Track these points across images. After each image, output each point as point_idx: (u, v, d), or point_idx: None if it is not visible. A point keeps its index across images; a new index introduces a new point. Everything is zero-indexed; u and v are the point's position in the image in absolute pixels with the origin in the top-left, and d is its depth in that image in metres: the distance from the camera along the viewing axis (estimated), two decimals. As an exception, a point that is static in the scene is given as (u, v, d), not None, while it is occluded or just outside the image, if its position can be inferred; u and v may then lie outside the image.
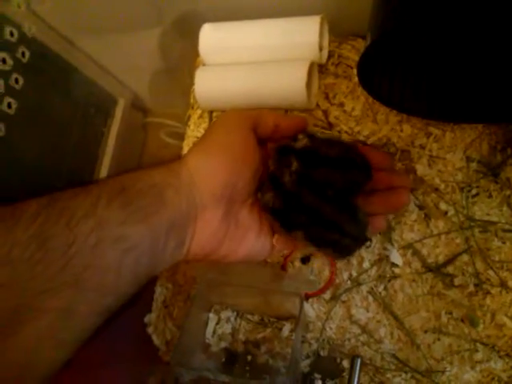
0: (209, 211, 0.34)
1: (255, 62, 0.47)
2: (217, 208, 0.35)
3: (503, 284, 0.40)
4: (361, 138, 0.46)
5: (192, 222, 0.34)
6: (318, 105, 0.48)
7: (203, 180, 0.34)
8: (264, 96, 0.46)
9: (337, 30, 0.49)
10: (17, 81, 0.32)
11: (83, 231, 0.27)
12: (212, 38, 0.48)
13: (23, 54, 0.32)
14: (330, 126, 0.47)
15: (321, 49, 0.46)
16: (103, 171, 0.62)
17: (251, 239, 0.37)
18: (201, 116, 0.51)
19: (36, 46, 0.35)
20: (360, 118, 0.46)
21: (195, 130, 0.51)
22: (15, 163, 0.38)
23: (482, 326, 0.41)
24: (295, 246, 0.40)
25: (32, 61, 0.34)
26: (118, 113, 0.66)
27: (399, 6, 0.32)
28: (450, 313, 0.42)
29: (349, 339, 0.44)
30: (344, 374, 0.43)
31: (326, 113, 0.48)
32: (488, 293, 0.41)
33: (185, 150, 0.51)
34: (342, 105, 0.47)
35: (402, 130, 0.45)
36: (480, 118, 0.40)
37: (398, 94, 0.40)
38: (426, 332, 0.42)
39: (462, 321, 0.41)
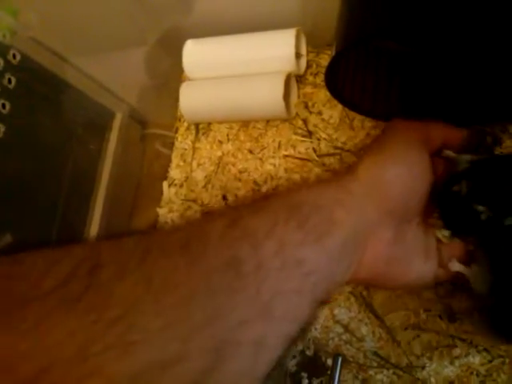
0: (380, 230, 0.32)
1: (235, 75, 0.49)
2: (388, 227, 0.32)
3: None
4: (339, 144, 0.48)
5: (363, 242, 0.31)
6: (297, 114, 0.50)
7: (377, 196, 0.31)
8: (244, 108, 0.48)
9: (315, 41, 0.51)
10: (4, 106, 0.34)
11: (268, 253, 0.25)
12: (194, 54, 0.50)
13: (9, 81, 0.34)
14: (310, 133, 0.49)
15: (298, 60, 0.48)
16: (102, 188, 0.64)
17: (419, 264, 0.34)
18: (187, 128, 0.53)
19: (24, 70, 0.38)
20: (338, 126, 0.48)
21: (183, 141, 0.53)
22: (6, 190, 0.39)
23: (458, 321, 0.42)
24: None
25: (19, 85, 0.36)
26: (116, 126, 0.69)
27: (362, 16, 0.34)
28: (429, 310, 0.43)
29: (332, 338, 0.45)
30: (328, 372, 0.44)
31: (305, 121, 0.49)
32: (464, 291, 0.42)
33: (174, 161, 0.53)
34: (320, 113, 0.49)
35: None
36: (453, 121, 0.42)
37: (370, 101, 0.41)
38: (405, 329, 0.43)
39: (440, 317, 0.43)
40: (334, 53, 0.35)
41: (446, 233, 0.35)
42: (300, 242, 0.27)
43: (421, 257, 0.35)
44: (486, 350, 0.41)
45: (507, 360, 0.41)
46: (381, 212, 0.32)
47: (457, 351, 0.42)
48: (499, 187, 0.33)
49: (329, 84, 0.37)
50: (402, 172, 0.32)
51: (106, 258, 0.22)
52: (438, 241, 0.36)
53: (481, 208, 0.32)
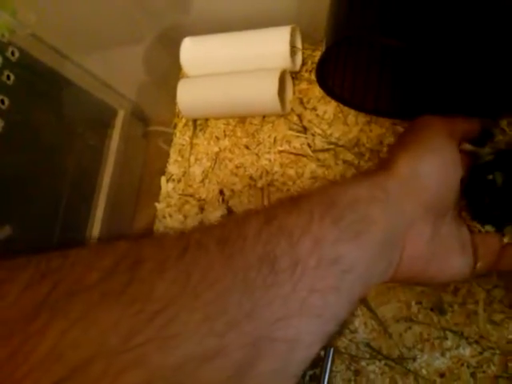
0: (418, 226, 0.32)
1: (232, 72, 0.50)
2: (426, 223, 0.32)
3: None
4: (333, 139, 0.48)
5: (401, 241, 0.31)
6: (292, 110, 0.50)
7: (414, 191, 0.31)
8: (240, 104, 0.49)
9: (312, 38, 0.52)
10: (3, 102, 0.35)
11: (304, 251, 0.25)
12: (192, 51, 0.51)
13: (8, 77, 0.35)
14: (305, 129, 0.50)
15: (294, 56, 0.49)
16: (104, 185, 0.65)
17: (455, 259, 0.34)
18: (185, 124, 0.54)
19: (23, 67, 0.39)
20: (332, 121, 0.49)
21: (181, 137, 0.54)
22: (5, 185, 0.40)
23: (450, 314, 0.43)
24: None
25: (18, 82, 0.37)
26: (118, 123, 0.69)
27: (350, 12, 0.34)
28: (420, 302, 0.44)
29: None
30: (321, 363, 0.45)
31: (300, 117, 0.50)
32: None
33: (172, 157, 0.54)
34: (315, 109, 0.50)
35: (371, 131, 0.48)
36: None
37: (361, 96, 0.42)
38: (397, 321, 0.44)
39: (432, 310, 0.43)
40: (323, 48, 0.36)
41: (490, 228, 0.35)
42: (336, 239, 0.26)
43: (457, 252, 0.35)
44: (476, 341, 0.42)
45: (497, 351, 0.41)
46: (419, 208, 0.32)
47: (448, 343, 0.42)
48: None
49: (320, 79, 0.37)
50: (437, 166, 0.32)
51: (147, 254, 0.22)
52: (473, 234, 0.36)
53: None
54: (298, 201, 0.28)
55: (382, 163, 0.34)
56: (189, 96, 0.51)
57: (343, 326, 0.29)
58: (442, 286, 0.42)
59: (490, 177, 0.34)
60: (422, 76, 0.41)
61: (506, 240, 0.36)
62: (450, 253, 0.34)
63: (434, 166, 0.32)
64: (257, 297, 0.22)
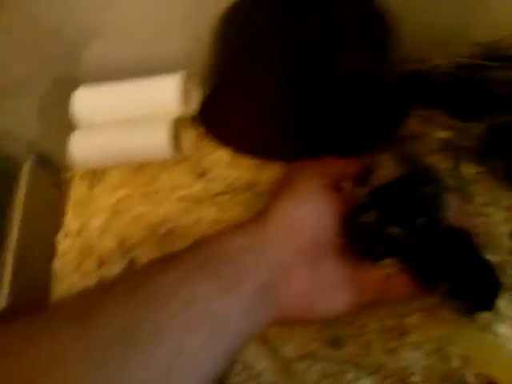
0: (296, 269, 0.33)
1: (126, 120, 0.50)
2: (303, 265, 0.33)
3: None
4: (229, 182, 0.49)
5: (280, 284, 0.32)
6: (190, 154, 0.51)
7: (289, 237, 0.33)
8: (135, 152, 0.49)
9: (209, 81, 0.53)
10: None
11: (169, 314, 0.25)
12: (84, 101, 0.51)
13: None
14: (203, 173, 0.50)
15: (188, 101, 0.50)
16: (12, 243, 0.61)
17: (339, 295, 0.36)
18: (82, 176, 0.53)
19: None
20: (228, 164, 0.50)
21: (78, 189, 0.53)
22: None
23: (347, 347, 0.44)
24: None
25: None
26: (24, 174, 0.67)
27: (226, 61, 0.35)
28: (319, 338, 0.44)
29: (234, 375, 0.46)
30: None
31: (197, 162, 0.51)
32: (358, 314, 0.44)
33: (69, 210, 0.53)
34: (212, 153, 0.51)
35: (266, 172, 0.49)
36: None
37: (245, 139, 0.42)
38: (300, 359, 0.45)
39: (331, 344, 0.44)
40: (206, 93, 0.36)
41: (373, 262, 0.37)
42: (208, 296, 0.27)
43: (341, 288, 0.36)
44: (375, 372, 0.43)
45: (396, 379, 0.43)
46: (294, 252, 0.33)
47: (348, 376, 0.43)
48: (402, 205, 0.36)
49: (205, 123, 0.37)
50: (309, 211, 0.34)
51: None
52: (357, 269, 0.38)
53: (394, 230, 0.35)
54: (172, 259, 0.29)
55: (259, 211, 0.35)
56: (83, 147, 0.50)
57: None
58: (337, 319, 0.44)
59: (367, 217, 0.36)
60: (306, 119, 0.43)
61: (387, 271, 0.38)
62: (333, 290, 0.36)
63: (306, 212, 0.34)
64: (113, 371, 0.22)
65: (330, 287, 0.36)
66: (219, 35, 0.36)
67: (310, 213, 0.34)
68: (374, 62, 0.33)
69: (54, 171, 0.71)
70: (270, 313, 0.32)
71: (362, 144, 0.41)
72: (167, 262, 0.29)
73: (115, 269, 0.49)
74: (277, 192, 0.36)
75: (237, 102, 0.41)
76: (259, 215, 0.34)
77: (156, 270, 0.28)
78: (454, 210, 0.37)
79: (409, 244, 0.36)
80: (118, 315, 0.25)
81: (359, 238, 0.36)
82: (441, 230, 0.36)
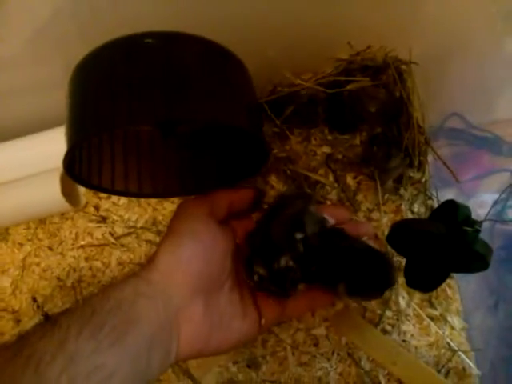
0: (189, 308, 0.34)
1: (16, 179, 0.49)
2: (196, 303, 0.34)
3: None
4: (131, 223, 0.50)
5: (174, 326, 0.32)
6: (87, 202, 0.51)
7: (177, 277, 0.33)
8: (31, 210, 0.49)
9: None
10: None
11: (52, 374, 0.26)
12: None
13: None
14: (104, 219, 0.51)
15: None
16: None
17: (238, 324, 0.37)
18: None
19: None
20: (127, 206, 0.50)
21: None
22: None
23: (264, 366, 0.45)
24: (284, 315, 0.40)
25: None
26: None
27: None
28: (237, 362, 0.46)
29: (161, 412, 0.46)
30: None
31: (97, 208, 0.51)
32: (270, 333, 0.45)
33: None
34: (109, 197, 0.51)
35: (164, 208, 0.50)
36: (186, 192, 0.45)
37: (109, 181, 0.41)
38: (222, 386, 0.46)
39: (248, 366, 0.46)
40: (67, 148, 0.35)
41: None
42: (94, 351, 0.27)
43: (239, 316, 0.37)
44: (293, 386, 0.45)
45: (315, 393, 0.44)
46: (185, 292, 0.33)
47: (269, 394, 0.45)
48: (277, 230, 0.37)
49: (69, 171, 0.36)
50: (196, 250, 0.35)
51: None
52: (255, 295, 0.39)
53: (283, 261, 0.36)
54: (58, 319, 0.29)
55: (150, 257, 0.36)
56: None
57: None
58: (251, 341, 0.45)
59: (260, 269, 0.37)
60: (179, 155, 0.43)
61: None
62: (230, 320, 0.37)
63: (193, 251, 0.35)
64: None
65: (227, 319, 0.37)
66: (77, 83, 0.35)
67: (194, 252, 0.35)
68: (233, 108, 0.34)
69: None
70: (167, 356, 0.33)
71: (244, 171, 0.42)
72: (55, 321, 0.29)
73: (31, 325, 0.49)
74: (166, 234, 0.36)
75: (112, 150, 0.41)
76: (148, 262, 0.35)
77: (43, 330, 0.29)
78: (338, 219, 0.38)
79: (303, 264, 0.36)
80: (2, 381, 0.25)
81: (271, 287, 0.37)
82: (322, 238, 0.37)
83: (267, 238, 0.37)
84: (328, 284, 0.38)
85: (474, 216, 0.36)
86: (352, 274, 0.36)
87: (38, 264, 0.50)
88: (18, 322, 0.50)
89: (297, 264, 0.36)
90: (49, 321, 0.30)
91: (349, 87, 0.41)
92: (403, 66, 0.44)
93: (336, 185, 0.45)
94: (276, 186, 0.46)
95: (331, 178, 0.45)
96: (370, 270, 0.36)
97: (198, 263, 0.35)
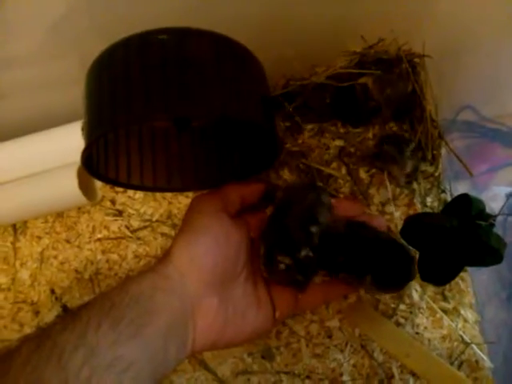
0: (205, 302, 0.34)
1: (35, 173, 0.50)
2: (211, 296, 0.35)
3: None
4: (147, 216, 0.51)
5: (190, 319, 0.34)
6: (104, 196, 0.52)
7: (191, 272, 0.34)
8: (49, 203, 0.50)
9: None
10: None
11: (75, 365, 0.27)
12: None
13: None
14: (120, 212, 0.51)
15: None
16: None
17: (252, 316, 0.37)
18: (5, 230, 0.54)
19: None
20: (143, 200, 0.51)
21: (3, 244, 0.54)
22: None
23: (278, 357, 0.46)
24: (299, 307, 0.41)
25: None
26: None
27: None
28: (252, 353, 0.46)
29: (176, 401, 0.47)
30: None
31: (113, 202, 0.52)
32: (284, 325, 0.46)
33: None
34: (125, 191, 0.52)
35: (179, 202, 0.50)
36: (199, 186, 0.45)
37: (125, 175, 0.42)
38: (236, 376, 0.46)
39: (263, 357, 0.46)
40: (86, 143, 0.36)
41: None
42: (113, 343, 0.28)
43: (253, 309, 0.38)
44: (307, 377, 0.45)
45: (326, 381, 0.45)
46: (200, 285, 0.34)
47: (283, 385, 0.46)
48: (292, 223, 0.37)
49: (86, 166, 0.37)
50: (209, 246, 0.35)
51: None
52: (269, 287, 0.39)
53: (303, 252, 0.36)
54: (78, 312, 0.30)
55: (166, 252, 0.36)
56: (-1, 205, 0.50)
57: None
58: (265, 334, 0.45)
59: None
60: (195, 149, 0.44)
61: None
62: (245, 313, 0.37)
63: (206, 247, 0.35)
64: None
65: (242, 312, 0.37)
66: (93, 80, 0.36)
67: (208, 247, 0.35)
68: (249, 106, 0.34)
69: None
70: (183, 348, 0.34)
71: (256, 165, 0.42)
72: (76, 314, 0.30)
73: (50, 316, 0.50)
74: (180, 230, 0.37)
75: (127, 146, 0.42)
76: (164, 256, 0.36)
77: (64, 322, 0.30)
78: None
79: (326, 254, 0.37)
80: (23, 373, 0.26)
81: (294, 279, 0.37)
82: (350, 229, 0.37)
83: (284, 232, 0.37)
84: (355, 275, 0.38)
85: (486, 210, 0.36)
86: (379, 266, 0.36)
87: (55, 257, 0.51)
88: (36, 313, 0.51)
89: (314, 254, 0.36)
90: (69, 314, 0.31)
91: (361, 80, 0.41)
92: (416, 59, 0.44)
93: (349, 178, 0.45)
94: (289, 179, 0.47)
95: (344, 171, 0.46)
96: (395, 262, 0.36)
97: (211, 258, 0.35)
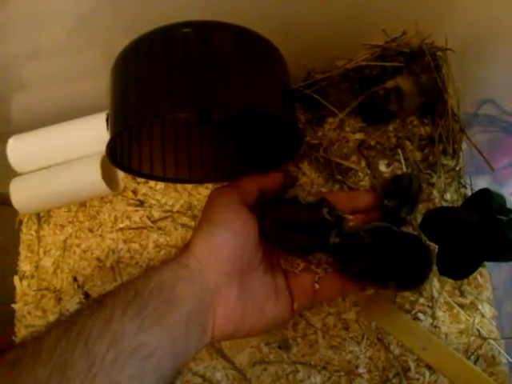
0: (224, 291, 0.35)
1: (59, 163, 0.52)
2: (231, 286, 0.36)
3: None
4: (168, 207, 0.51)
5: (210, 308, 0.35)
6: (126, 186, 0.53)
7: (211, 263, 0.35)
8: (73, 192, 0.51)
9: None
10: None
11: (101, 350, 0.28)
12: (18, 150, 0.52)
13: None
14: (141, 203, 0.52)
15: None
16: None
17: (271, 307, 0.38)
18: (29, 219, 0.55)
19: None
20: (164, 191, 0.52)
21: (27, 232, 0.55)
22: None
23: (295, 348, 0.46)
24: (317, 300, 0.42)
25: None
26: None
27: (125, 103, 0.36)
28: (269, 343, 0.47)
29: (193, 389, 0.48)
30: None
31: (135, 192, 0.53)
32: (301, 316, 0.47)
33: (22, 253, 0.55)
34: (147, 182, 0.53)
35: (199, 193, 0.51)
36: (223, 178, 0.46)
37: (148, 166, 0.43)
38: (254, 366, 0.47)
39: (280, 348, 0.47)
40: (111, 135, 0.37)
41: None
42: (137, 330, 0.30)
43: (272, 299, 0.39)
44: (324, 368, 0.46)
45: (342, 373, 0.45)
46: (220, 277, 0.35)
47: (300, 375, 0.46)
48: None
49: (111, 157, 0.38)
50: (226, 238, 0.36)
51: None
52: (288, 278, 0.40)
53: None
54: (103, 300, 0.31)
55: (186, 243, 0.37)
56: (23, 194, 0.52)
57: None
58: (284, 325, 0.46)
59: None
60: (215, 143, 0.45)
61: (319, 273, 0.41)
62: (263, 303, 0.38)
63: (224, 239, 0.36)
64: None
65: (260, 302, 0.38)
66: (118, 73, 0.37)
67: (226, 240, 0.36)
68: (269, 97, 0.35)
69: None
70: (203, 337, 0.35)
71: (277, 157, 0.43)
72: (101, 301, 0.31)
73: (72, 303, 0.51)
74: (200, 221, 0.38)
75: (150, 137, 0.43)
76: (185, 247, 0.37)
77: (90, 309, 0.31)
78: None
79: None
80: (52, 357, 0.27)
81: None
82: (375, 236, 0.38)
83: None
84: (380, 283, 0.39)
85: (507, 204, 0.36)
86: (403, 272, 0.38)
87: (78, 245, 0.53)
88: (59, 300, 0.52)
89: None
90: (95, 301, 0.32)
91: (389, 84, 0.41)
92: (439, 53, 0.44)
93: (368, 171, 0.45)
94: (308, 172, 0.47)
95: (363, 164, 0.46)
96: (419, 265, 0.38)
97: (230, 250, 0.36)
